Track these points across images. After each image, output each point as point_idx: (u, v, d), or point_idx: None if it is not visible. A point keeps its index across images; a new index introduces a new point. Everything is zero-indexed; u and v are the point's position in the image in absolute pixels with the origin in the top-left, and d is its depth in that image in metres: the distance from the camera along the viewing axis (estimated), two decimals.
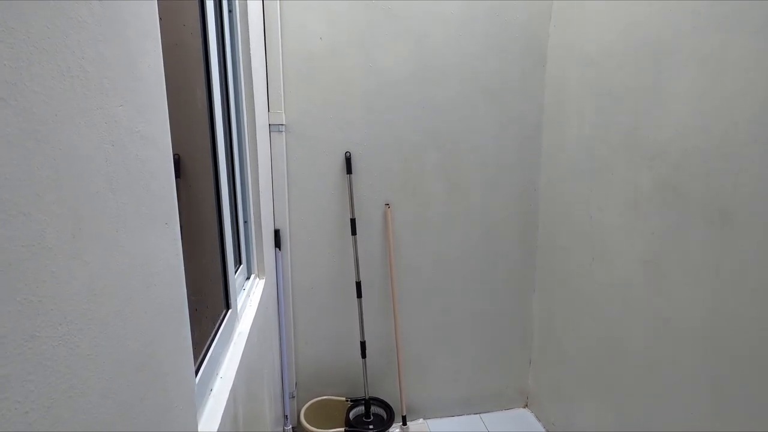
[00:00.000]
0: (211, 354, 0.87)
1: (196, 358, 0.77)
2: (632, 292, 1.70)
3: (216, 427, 0.74)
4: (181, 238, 0.63)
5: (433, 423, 2.35)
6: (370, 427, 2.04)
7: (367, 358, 2.12)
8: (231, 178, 1.29)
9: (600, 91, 1.83)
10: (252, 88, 1.47)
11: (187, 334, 0.65)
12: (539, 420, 2.38)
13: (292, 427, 2.11)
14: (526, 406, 2.50)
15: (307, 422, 2.02)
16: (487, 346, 2.39)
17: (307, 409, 2.11)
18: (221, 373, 0.91)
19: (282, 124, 1.97)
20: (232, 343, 1.05)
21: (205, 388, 0.83)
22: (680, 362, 1.49)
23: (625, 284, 1.74)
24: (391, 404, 2.18)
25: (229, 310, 1.07)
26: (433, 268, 2.24)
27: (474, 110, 2.14)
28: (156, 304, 0.52)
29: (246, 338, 1.07)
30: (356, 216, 2.08)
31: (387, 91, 2.05)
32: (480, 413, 2.44)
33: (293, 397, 2.14)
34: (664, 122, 1.52)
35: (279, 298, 1.99)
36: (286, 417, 2.04)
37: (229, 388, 0.86)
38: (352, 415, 2.12)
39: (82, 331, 0.36)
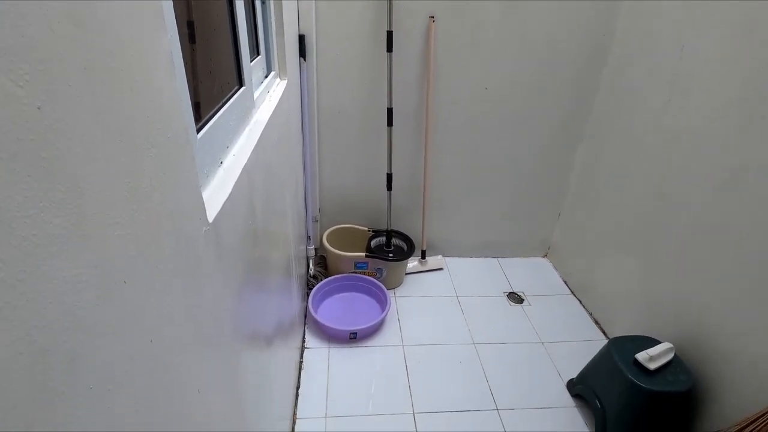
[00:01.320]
0: (219, 121, 0.74)
1: (195, 113, 0.64)
2: (708, 141, 1.46)
3: (226, 195, 0.65)
4: None
5: (451, 261, 2.40)
6: (390, 255, 2.08)
7: (392, 191, 2.06)
8: None
9: None
10: None
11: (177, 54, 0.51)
12: (556, 269, 2.40)
13: (315, 249, 2.18)
14: (545, 255, 2.51)
15: (330, 244, 2.08)
16: (517, 194, 2.28)
17: (330, 233, 2.15)
18: (234, 150, 0.81)
19: None
20: (248, 128, 0.92)
21: (214, 157, 0.72)
22: (739, 229, 1.33)
23: (702, 131, 1.48)
24: (412, 238, 2.19)
25: (242, 88, 0.91)
26: (473, 102, 2.00)
27: None
28: None
29: (263, 128, 0.95)
30: (394, 28, 1.77)
31: None
32: (498, 257, 2.47)
33: (316, 221, 2.16)
34: None
35: (303, 116, 1.84)
36: (309, 237, 2.09)
37: (243, 164, 0.75)
38: (373, 243, 2.15)
39: None
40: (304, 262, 2.03)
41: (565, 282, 2.30)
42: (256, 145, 0.87)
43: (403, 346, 1.83)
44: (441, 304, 2.09)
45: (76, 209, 0.30)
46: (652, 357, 1.40)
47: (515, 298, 2.17)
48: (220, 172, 0.73)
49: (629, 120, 1.83)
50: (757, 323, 1.26)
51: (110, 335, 0.34)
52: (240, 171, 0.74)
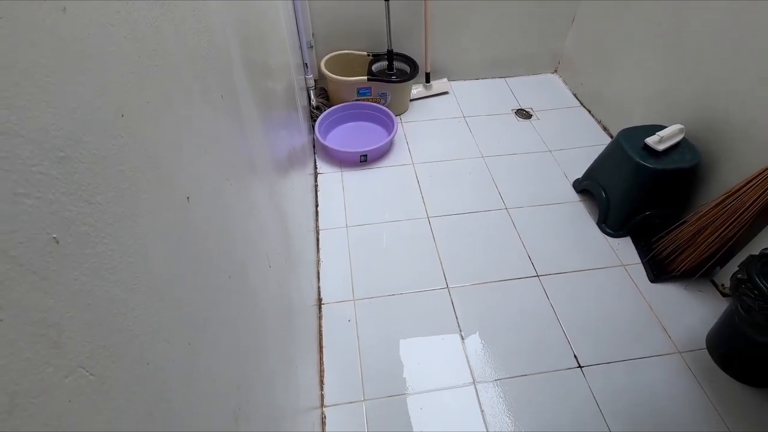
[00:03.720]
0: None
1: None
2: None
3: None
4: None
5: (456, 84, 2.30)
6: (393, 77, 1.98)
7: (390, 3, 1.85)
8: None
9: None
10: None
11: None
12: (566, 84, 2.30)
13: (315, 80, 2.08)
14: (555, 71, 2.38)
15: (328, 71, 1.96)
16: (529, 4, 2.05)
17: (328, 60, 2.01)
18: None
19: None
20: None
21: None
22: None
23: None
24: (415, 60, 2.05)
25: None
26: None
27: None
28: None
29: None
30: None
31: None
32: (506, 77, 2.35)
33: (311, 47, 2.01)
34: None
35: None
36: (306, 65, 1.96)
37: None
38: (374, 68, 2.03)
39: None
40: (305, 93, 1.95)
41: (575, 95, 2.22)
42: None
43: (413, 164, 1.86)
44: (448, 125, 2.06)
45: None
46: (662, 138, 1.41)
47: (523, 114, 2.13)
48: None
49: None
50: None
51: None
52: None
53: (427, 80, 2.20)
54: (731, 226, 1.25)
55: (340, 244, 1.56)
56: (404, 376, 1.22)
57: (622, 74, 1.88)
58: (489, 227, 1.61)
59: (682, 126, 1.45)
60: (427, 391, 1.19)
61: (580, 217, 1.65)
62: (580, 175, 1.74)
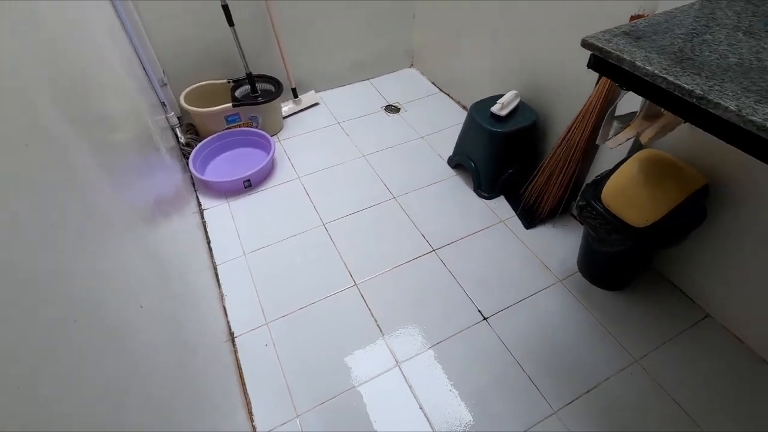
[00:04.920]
0: None
1: None
2: None
3: None
4: None
5: (325, 94, 2.37)
6: (259, 99, 1.99)
7: (236, 27, 1.85)
8: None
9: None
10: None
11: None
12: (424, 74, 2.50)
13: (178, 117, 2.00)
14: (412, 65, 2.58)
15: (190, 106, 1.91)
16: (369, 5, 2.20)
17: (188, 94, 1.96)
18: None
19: None
20: None
21: None
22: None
23: None
24: (278, 79, 2.08)
25: None
26: None
27: None
28: None
29: None
30: None
31: None
32: (370, 78, 2.49)
33: (165, 84, 1.93)
34: None
35: None
36: (163, 105, 1.89)
37: None
38: (238, 93, 2.02)
39: None
40: (169, 133, 1.87)
41: (433, 83, 2.43)
42: None
43: (299, 178, 1.88)
44: (325, 134, 2.12)
45: None
46: (503, 105, 1.62)
47: (392, 109, 2.27)
48: None
49: None
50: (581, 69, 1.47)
51: None
52: None
53: (295, 95, 2.24)
54: (569, 165, 1.47)
55: (241, 273, 1.52)
56: (332, 380, 1.23)
57: (465, 57, 2.10)
58: (382, 219, 1.69)
59: (517, 91, 1.67)
60: (357, 386, 1.22)
61: (459, 188, 1.81)
62: (451, 153, 1.91)
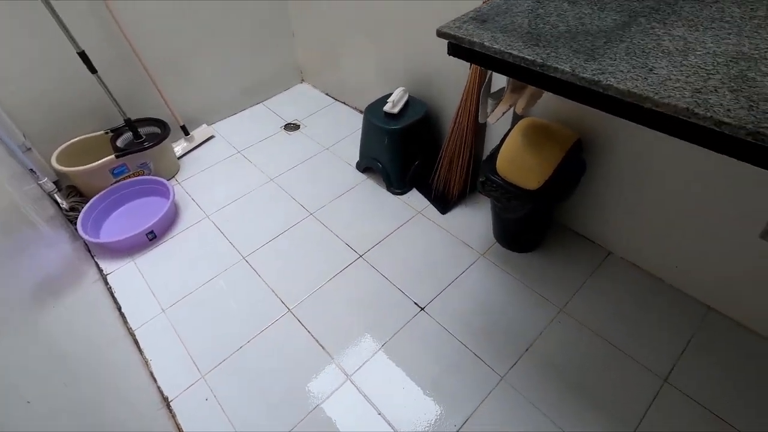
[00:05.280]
0: None
1: None
2: None
3: None
4: None
5: (219, 125, 2.28)
6: (145, 144, 1.85)
7: (101, 73, 1.71)
8: None
9: None
10: None
11: None
12: (316, 87, 2.51)
13: (53, 181, 1.80)
14: (303, 81, 2.57)
15: (64, 166, 1.72)
16: (247, 27, 2.15)
17: (60, 155, 1.76)
18: None
19: None
20: None
21: None
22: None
23: None
24: (163, 119, 1.96)
25: None
26: None
27: None
28: None
29: None
30: None
31: None
32: (263, 101, 2.44)
33: (28, 149, 1.72)
34: None
35: None
36: (32, 171, 1.68)
37: None
38: (120, 142, 1.86)
39: None
40: (46, 201, 1.67)
41: (327, 94, 2.44)
42: None
43: (208, 217, 1.79)
44: (227, 166, 2.04)
45: None
46: (393, 102, 1.67)
47: (291, 127, 2.24)
48: None
49: None
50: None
51: None
52: None
53: (186, 133, 2.12)
54: (465, 147, 1.56)
55: (163, 332, 1.40)
56: (286, 413, 1.18)
57: (350, 64, 2.14)
58: (303, 238, 1.66)
59: (404, 87, 1.74)
60: (312, 410, 1.18)
61: (373, 190, 1.84)
62: (358, 158, 1.94)
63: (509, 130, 1.36)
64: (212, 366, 1.30)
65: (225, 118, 2.33)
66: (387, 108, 1.67)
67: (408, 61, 1.79)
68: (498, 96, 1.15)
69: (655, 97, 0.61)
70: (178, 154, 2.07)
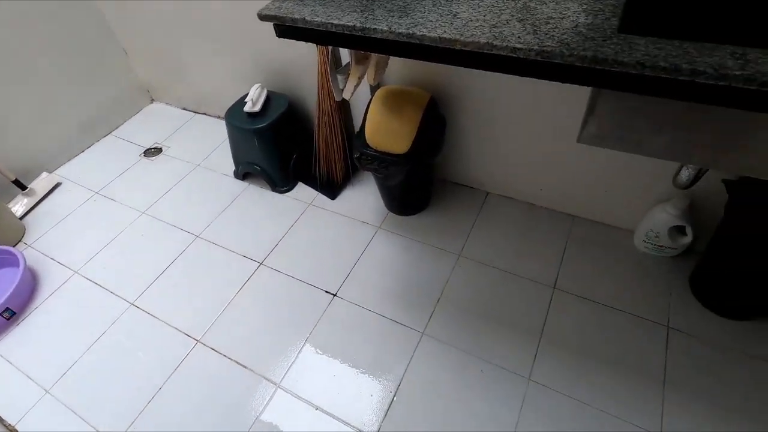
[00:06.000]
0: None
1: None
2: None
3: None
4: None
5: (63, 169, 2.00)
6: None
7: None
8: None
9: None
10: None
11: None
12: (170, 104, 2.31)
13: None
14: (153, 101, 2.35)
15: None
16: (62, 53, 1.88)
17: None
18: None
19: None
20: None
21: None
22: None
23: None
24: None
25: None
26: None
27: None
28: None
29: None
30: None
31: None
32: (112, 131, 2.18)
33: None
34: None
35: None
36: None
37: None
38: None
39: None
40: None
41: (185, 108, 2.27)
42: None
43: (76, 273, 1.56)
44: (86, 211, 1.80)
45: None
46: (252, 101, 1.61)
47: (153, 152, 2.04)
48: None
49: None
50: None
51: None
52: None
53: (23, 187, 1.82)
54: (335, 129, 1.57)
55: (52, 416, 1.21)
56: None
57: (199, 71, 2.00)
58: (195, 262, 1.55)
59: (259, 84, 1.68)
60: (250, 427, 1.13)
61: (258, 194, 1.77)
62: (234, 167, 1.84)
63: (369, 102, 1.40)
64: (127, 427, 1.16)
65: (69, 160, 2.04)
66: (247, 108, 1.60)
67: (257, 56, 1.73)
68: (345, 71, 1.17)
69: (462, 38, 0.66)
70: (19, 213, 1.77)
